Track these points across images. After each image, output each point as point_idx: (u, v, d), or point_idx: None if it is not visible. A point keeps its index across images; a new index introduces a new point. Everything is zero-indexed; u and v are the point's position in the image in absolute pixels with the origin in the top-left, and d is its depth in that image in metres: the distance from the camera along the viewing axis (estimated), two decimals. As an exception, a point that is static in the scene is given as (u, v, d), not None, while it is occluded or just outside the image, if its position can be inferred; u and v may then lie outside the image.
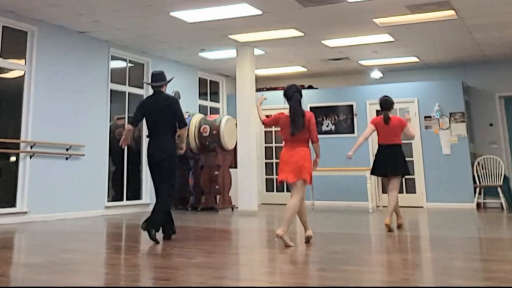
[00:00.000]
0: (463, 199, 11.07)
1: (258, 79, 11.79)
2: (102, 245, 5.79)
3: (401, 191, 11.66)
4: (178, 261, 4.94)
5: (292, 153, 5.85)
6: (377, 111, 11.93)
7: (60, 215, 8.75)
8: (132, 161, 10.65)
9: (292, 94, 5.94)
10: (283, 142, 6.01)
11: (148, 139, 6.41)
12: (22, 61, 8.72)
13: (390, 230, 6.87)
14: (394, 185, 7.24)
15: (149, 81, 6.52)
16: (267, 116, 6.27)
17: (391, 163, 7.22)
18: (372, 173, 7.55)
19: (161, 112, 6.22)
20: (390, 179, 7.29)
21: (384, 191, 11.20)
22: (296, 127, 5.84)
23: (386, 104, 7.42)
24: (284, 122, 5.91)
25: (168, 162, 6.16)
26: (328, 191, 11.94)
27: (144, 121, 6.45)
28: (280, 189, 12.83)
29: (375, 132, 7.47)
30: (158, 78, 6.39)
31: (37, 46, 8.76)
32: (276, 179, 6.84)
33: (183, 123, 6.27)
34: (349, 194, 11.68)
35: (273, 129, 13.05)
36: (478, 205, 11.12)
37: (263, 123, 6.26)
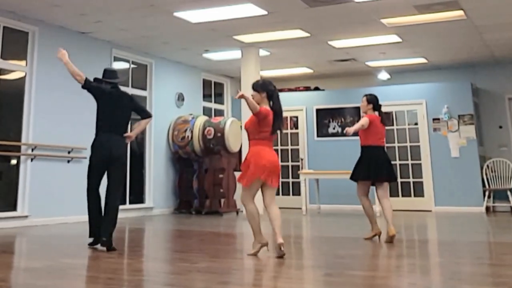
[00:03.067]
0: (472, 202, 10.92)
1: (263, 80, 11.66)
2: (104, 249, 5.68)
3: (409, 195, 11.67)
4: (181, 266, 4.86)
5: (273, 154, 5.52)
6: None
7: (61, 219, 8.63)
8: (135, 165, 10.53)
9: (275, 90, 5.61)
10: (254, 140, 5.52)
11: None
12: (23, 62, 8.63)
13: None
14: (386, 190, 6.63)
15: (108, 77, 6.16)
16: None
17: (385, 166, 6.51)
18: (363, 178, 6.61)
19: (121, 108, 6.00)
20: (379, 184, 6.57)
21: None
22: (281, 124, 5.57)
23: (378, 101, 7.00)
24: (270, 119, 5.46)
25: (123, 163, 6.01)
26: (334, 195, 11.77)
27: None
28: (285, 193, 12.66)
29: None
30: (114, 76, 6.13)
31: (38, 47, 8.66)
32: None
33: (149, 113, 6.25)
34: (356, 197, 11.46)
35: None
36: (487, 208, 10.97)
37: (259, 112, 5.40)
